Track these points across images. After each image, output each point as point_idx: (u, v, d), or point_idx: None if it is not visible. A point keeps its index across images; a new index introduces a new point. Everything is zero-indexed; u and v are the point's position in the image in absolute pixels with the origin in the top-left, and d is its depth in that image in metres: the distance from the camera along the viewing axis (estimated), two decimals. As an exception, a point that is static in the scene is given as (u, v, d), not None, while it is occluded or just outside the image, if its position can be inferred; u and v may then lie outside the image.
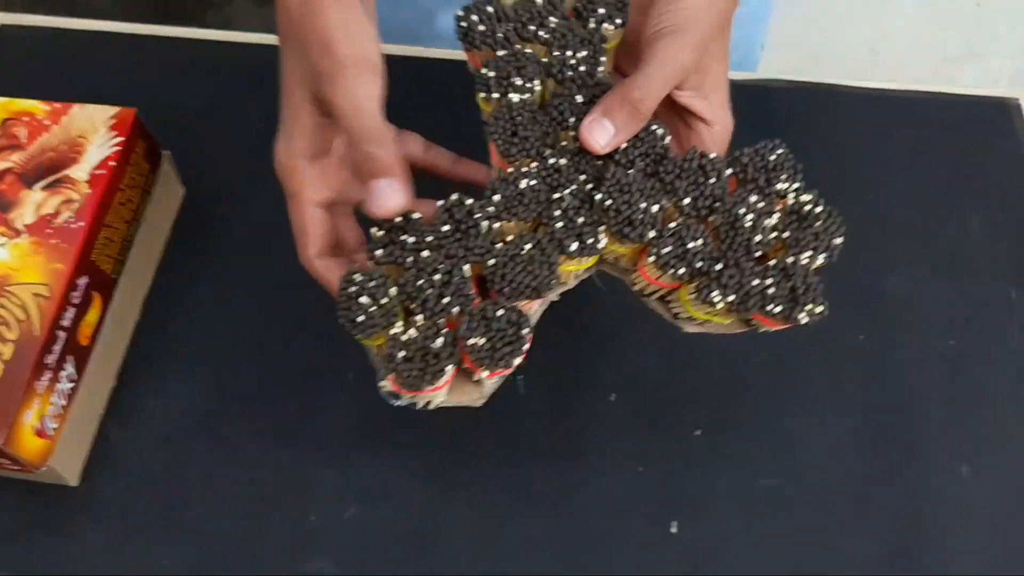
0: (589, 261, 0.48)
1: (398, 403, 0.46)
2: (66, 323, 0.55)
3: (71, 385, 0.56)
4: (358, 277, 0.45)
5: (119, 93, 0.74)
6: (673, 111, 0.52)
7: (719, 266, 0.46)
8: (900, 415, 0.61)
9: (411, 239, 0.46)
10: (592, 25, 0.50)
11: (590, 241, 0.46)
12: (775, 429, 0.61)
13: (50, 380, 0.54)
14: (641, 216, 0.46)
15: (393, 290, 0.45)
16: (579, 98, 0.48)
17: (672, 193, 0.47)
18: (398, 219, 0.46)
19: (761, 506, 0.58)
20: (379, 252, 0.46)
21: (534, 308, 0.49)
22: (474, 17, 0.50)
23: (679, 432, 0.61)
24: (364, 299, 0.44)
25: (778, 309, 0.45)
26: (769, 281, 0.45)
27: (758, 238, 0.46)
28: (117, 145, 0.59)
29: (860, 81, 0.77)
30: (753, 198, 0.47)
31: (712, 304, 0.45)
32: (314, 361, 0.62)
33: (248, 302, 0.65)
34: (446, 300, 0.44)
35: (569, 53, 0.49)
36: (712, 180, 0.47)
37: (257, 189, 0.70)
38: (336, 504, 0.58)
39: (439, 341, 0.44)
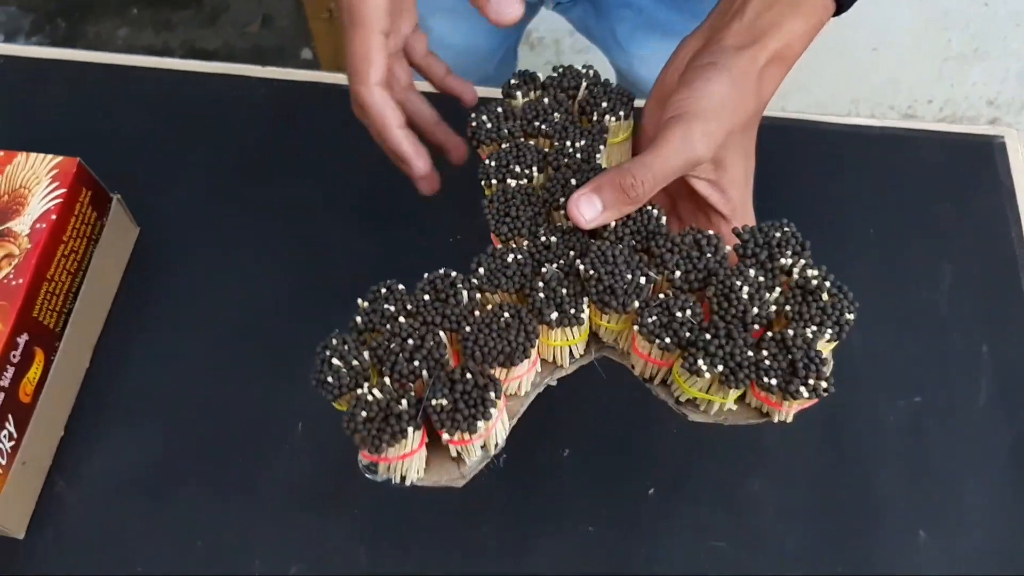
0: (579, 335, 0.47)
1: (374, 478, 0.46)
2: (4, 383, 0.54)
3: (11, 443, 0.55)
4: (334, 342, 0.45)
5: (72, 125, 0.73)
6: (693, 201, 0.50)
7: (708, 336, 0.43)
8: (859, 477, 0.60)
9: (391, 308, 0.46)
10: (595, 118, 0.52)
11: (572, 311, 0.45)
12: (730, 490, 0.60)
13: (-12, 441, 0.53)
14: (624, 286, 0.44)
15: (366, 354, 0.45)
16: (573, 181, 0.48)
17: (661, 266, 0.45)
18: (383, 290, 0.47)
19: (711, 569, 0.57)
20: (359, 319, 0.46)
21: (524, 388, 0.48)
22: (483, 117, 0.52)
23: (632, 491, 0.60)
24: (336, 361, 0.44)
25: (773, 381, 0.42)
26: (764, 353, 0.43)
27: (755, 311, 0.43)
28: (59, 197, 0.58)
29: (842, 118, 0.74)
30: (752, 272, 0.45)
31: (699, 374, 0.43)
32: (263, 413, 0.62)
33: (199, 349, 0.64)
34: (415, 363, 0.44)
35: (569, 143, 0.50)
36: (708, 255, 0.45)
37: (212, 221, 0.69)
38: (280, 562, 0.57)
39: (403, 403, 0.43)
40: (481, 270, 0.47)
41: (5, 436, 0.55)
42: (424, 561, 0.57)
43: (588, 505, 0.59)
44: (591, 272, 0.45)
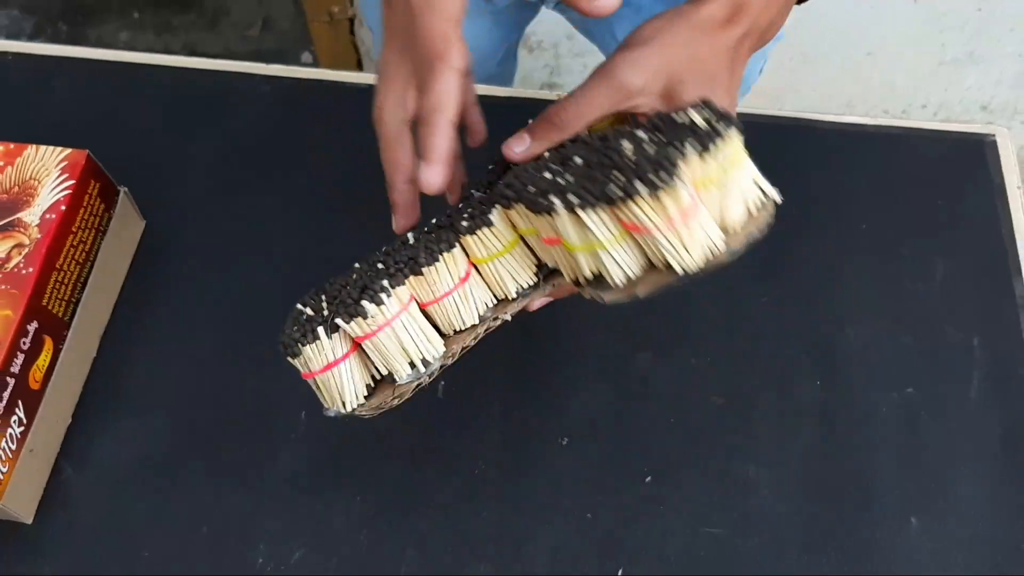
0: (502, 246, 0.48)
1: (327, 413, 0.49)
2: (15, 369, 0.55)
3: (21, 429, 0.56)
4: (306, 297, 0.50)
5: (78, 121, 0.74)
6: None
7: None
8: (853, 464, 0.61)
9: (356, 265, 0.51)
10: None
11: (481, 215, 0.47)
12: (726, 476, 0.61)
13: (-1, 426, 0.54)
14: (519, 181, 0.46)
15: (323, 298, 0.49)
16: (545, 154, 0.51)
17: (569, 160, 0.46)
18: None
19: (707, 555, 0.58)
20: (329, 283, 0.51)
21: (467, 316, 0.49)
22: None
23: (629, 478, 0.61)
24: (298, 306, 0.49)
25: (615, 189, 0.40)
26: (616, 173, 0.41)
27: (624, 149, 0.42)
28: (68, 188, 0.59)
29: (837, 116, 0.76)
30: (642, 133, 0.44)
31: (550, 210, 0.42)
32: (266, 402, 0.63)
33: (204, 339, 0.65)
34: (347, 289, 0.47)
35: None
36: (615, 151, 0.44)
37: (216, 215, 0.71)
38: (283, 547, 0.58)
39: (331, 320, 0.47)
40: (434, 220, 0.50)
41: (15, 422, 0.56)
42: (424, 546, 0.58)
43: (586, 492, 0.60)
44: (502, 184, 0.47)
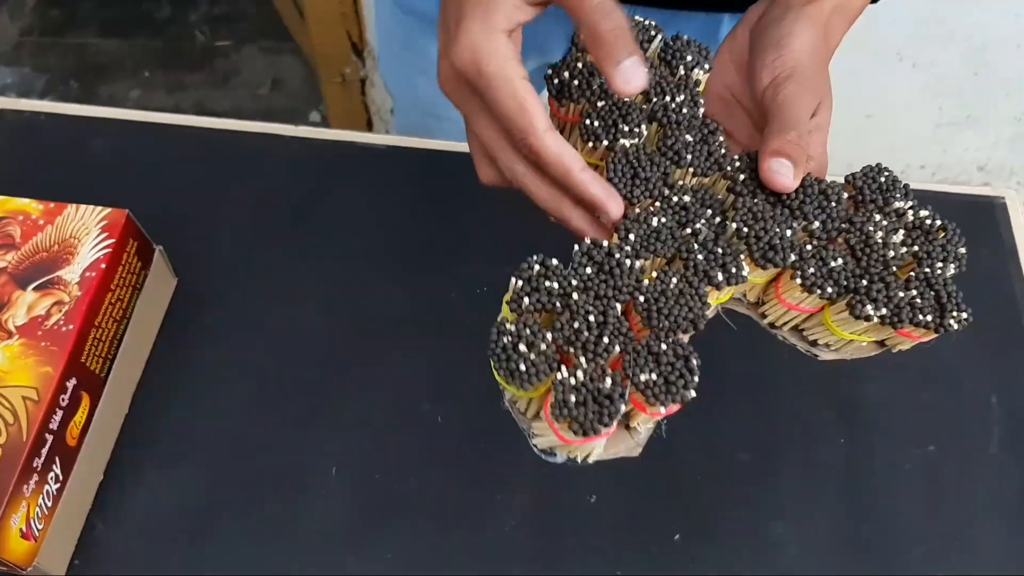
0: (727, 294, 0.49)
1: (554, 459, 0.46)
2: (54, 426, 0.56)
3: (57, 486, 0.57)
4: (510, 327, 0.43)
5: (112, 179, 0.76)
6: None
7: (864, 282, 0.47)
8: (878, 520, 0.62)
9: (555, 285, 0.44)
10: (681, 72, 0.53)
11: (734, 270, 0.46)
12: (754, 533, 0.61)
13: (37, 483, 0.55)
14: (779, 241, 0.47)
15: (548, 336, 0.43)
16: (688, 137, 0.50)
17: (802, 217, 0.49)
18: (537, 267, 0.45)
19: (738, 614, 0.59)
20: (526, 301, 0.44)
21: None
22: (565, 74, 0.51)
23: (658, 536, 0.61)
24: (522, 347, 0.42)
25: (929, 318, 0.46)
26: (914, 292, 0.47)
27: (891, 253, 0.48)
28: (108, 247, 0.60)
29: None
30: (877, 217, 0.49)
31: (867, 319, 0.46)
32: (298, 457, 0.63)
33: (235, 395, 0.66)
34: (606, 340, 0.42)
35: (668, 98, 0.51)
36: (835, 203, 0.49)
37: (247, 273, 0.72)
38: (316, 606, 0.58)
39: (608, 381, 0.41)
40: (631, 236, 0.46)
41: (52, 479, 0.56)
42: (456, 604, 0.59)
43: (615, 550, 0.61)
44: (745, 230, 0.47)
